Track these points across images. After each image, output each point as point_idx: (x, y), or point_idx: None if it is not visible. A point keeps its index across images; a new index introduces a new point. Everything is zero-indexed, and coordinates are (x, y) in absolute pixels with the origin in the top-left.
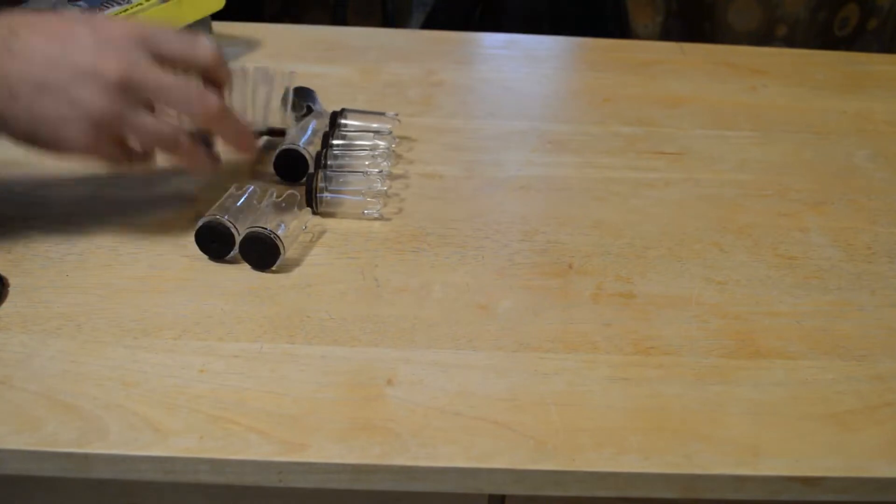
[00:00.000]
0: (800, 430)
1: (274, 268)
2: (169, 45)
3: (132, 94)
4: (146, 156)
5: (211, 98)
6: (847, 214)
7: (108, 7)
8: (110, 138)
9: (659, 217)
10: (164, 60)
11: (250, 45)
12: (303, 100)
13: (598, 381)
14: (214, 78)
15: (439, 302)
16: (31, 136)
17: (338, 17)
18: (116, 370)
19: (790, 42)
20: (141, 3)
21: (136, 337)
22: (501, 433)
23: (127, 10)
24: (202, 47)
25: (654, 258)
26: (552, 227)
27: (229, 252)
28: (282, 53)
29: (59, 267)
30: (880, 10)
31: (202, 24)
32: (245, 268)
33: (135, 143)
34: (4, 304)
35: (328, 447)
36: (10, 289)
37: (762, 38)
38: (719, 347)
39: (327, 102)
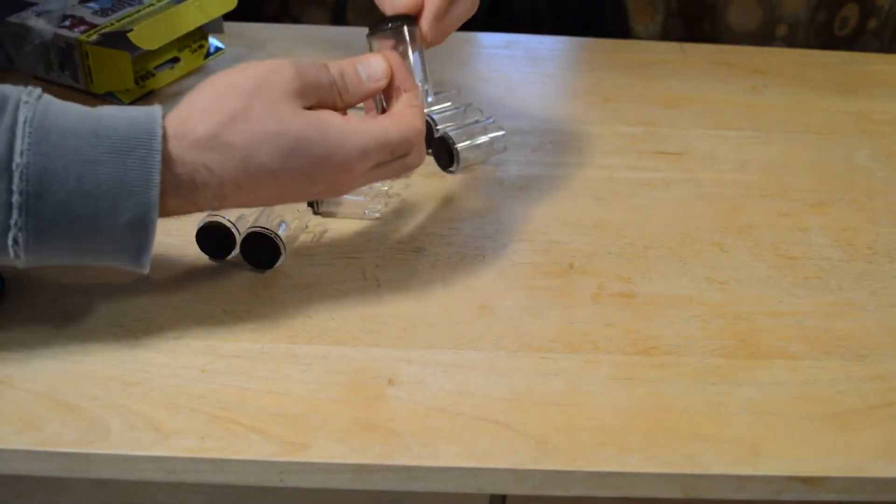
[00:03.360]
0: (801, 430)
1: (275, 268)
2: (383, 156)
3: None
4: None
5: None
6: (848, 214)
7: (119, 9)
8: None
9: (660, 217)
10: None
11: (250, 45)
12: None
13: (599, 381)
14: None
15: (440, 302)
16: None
17: (338, 17)
18: (117, 370)
19: (790, 42)
20: (153, 4)
21: (138, 337)
22: (502, 433)
23: (140, 10)
24: (411, 149)
25: (655, 258)
26: (553, 226)
27: (230, 252)
28: (282, 53)
29: (59, 267)
30: (880, 10)
31: (214, 24)
32: (246, 268)
33: None
34: (4, 304)
35: (329, 447)
36: (10, 288)
37: (762, 38)
38: (720, 347)
39: None
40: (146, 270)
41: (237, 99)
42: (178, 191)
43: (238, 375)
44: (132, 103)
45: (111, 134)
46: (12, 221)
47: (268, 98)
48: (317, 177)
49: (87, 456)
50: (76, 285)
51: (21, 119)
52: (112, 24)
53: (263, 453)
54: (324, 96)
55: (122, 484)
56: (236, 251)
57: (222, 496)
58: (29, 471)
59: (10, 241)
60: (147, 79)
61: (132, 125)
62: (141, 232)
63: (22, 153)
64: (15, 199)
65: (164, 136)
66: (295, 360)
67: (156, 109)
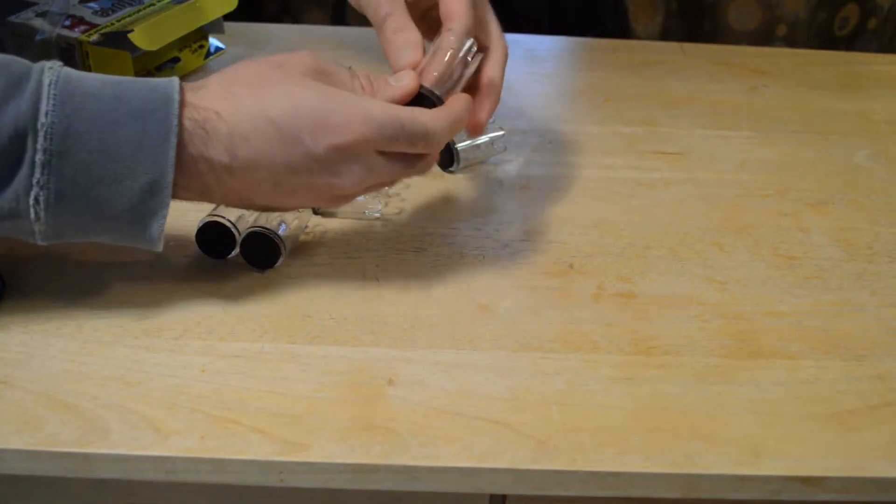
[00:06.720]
0: (801, 430)
1: (275, 268)
2: (394, 143)
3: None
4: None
5: (424, 167)
6: (847, 214)
7: (120, 9)
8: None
9: (659, 217)
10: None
11: (250, 44)
12: None
13: (599, 381)
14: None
15: (440, 302)
16: (245, 206)
17: (338, 17)
18: (117, 370)
19: (790, 42)
20: (153, 4)
21: (137, 337)
22: (502, 433)
23: (140, 10)
24: (422, 145)
25: (655, 258)
26: (553, 226)
27: (230, 252)
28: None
29: (59, 267)
30: (880, 10)
31: (214, 24)
32: (246, 267)
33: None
34: (4, 305)
35: (329, 447)
36: (10, 288)
37: (762, 38)
38: (720, 347)
39: None
40: (159, 244)
41: (251, 66)
42: (192, 140)
43: (238, 375)
44: None
45: (132, 99)
46: (35, 180)
47: (282, 68)
48: (319, 137)
49: (87, 456)
50: (76, 285)
51: (46, 82)
52: (112, 24)
53: (263, 453)
54: (342, 85)
55: (122, 484)
56: (236, 251)
57: (222, 496)
58: (29, 471)
59: (31, 200)
60: None
61: (151, 90)
62: (157, 195)
63: (47, 113)
64: (39, 157)
65: (182, 102)
66: (295, 360)
67: (174, 79)
